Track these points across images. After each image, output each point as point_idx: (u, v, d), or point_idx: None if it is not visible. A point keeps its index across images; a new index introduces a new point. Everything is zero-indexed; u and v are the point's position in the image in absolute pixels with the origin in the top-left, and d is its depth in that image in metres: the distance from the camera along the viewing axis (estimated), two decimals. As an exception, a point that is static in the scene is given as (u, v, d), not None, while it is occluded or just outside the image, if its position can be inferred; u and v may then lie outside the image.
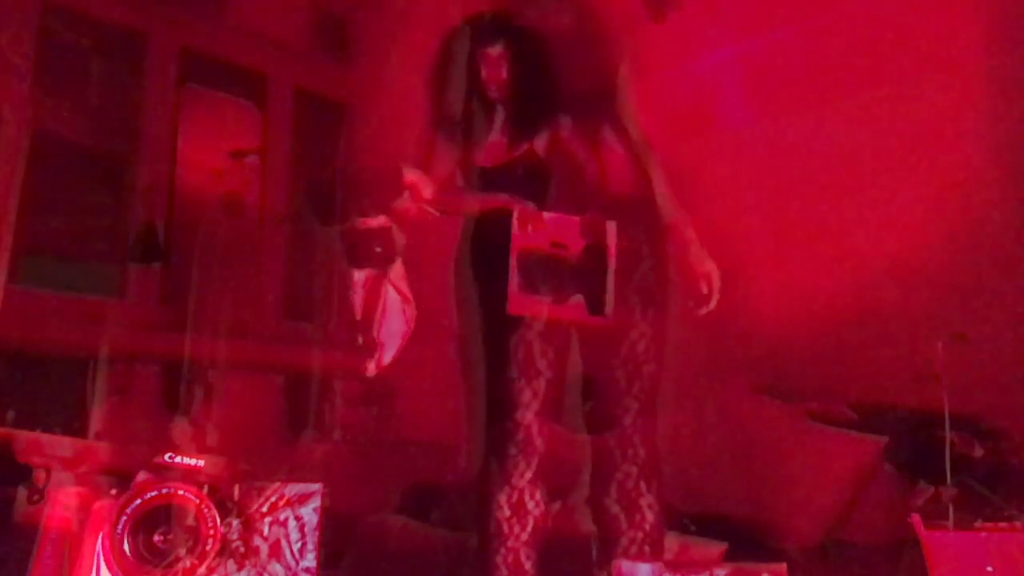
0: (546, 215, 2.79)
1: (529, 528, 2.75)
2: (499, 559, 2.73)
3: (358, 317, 2.79)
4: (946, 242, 4.38)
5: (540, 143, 2.81)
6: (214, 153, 6.12)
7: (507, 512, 2.74)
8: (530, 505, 2.77)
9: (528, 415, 2.74)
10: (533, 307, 2.74)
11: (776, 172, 4.91)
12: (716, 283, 2.80)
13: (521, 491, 2.75)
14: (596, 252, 2.78)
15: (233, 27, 6.74)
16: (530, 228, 2.74)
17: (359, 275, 2.78)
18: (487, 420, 2.80)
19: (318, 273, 7.00)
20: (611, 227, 2.75)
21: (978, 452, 4.23)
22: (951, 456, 3.73)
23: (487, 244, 2.80)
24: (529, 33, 2.83)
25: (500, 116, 2.85)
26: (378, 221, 2.76)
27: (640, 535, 2.74)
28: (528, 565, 2.75)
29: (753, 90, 4.86)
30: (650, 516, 2.76)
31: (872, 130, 4.78)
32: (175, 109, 6.47)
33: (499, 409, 2.76)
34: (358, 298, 2.78)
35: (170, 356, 5.52)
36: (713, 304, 2.81)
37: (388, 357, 2.81)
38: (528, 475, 2.75)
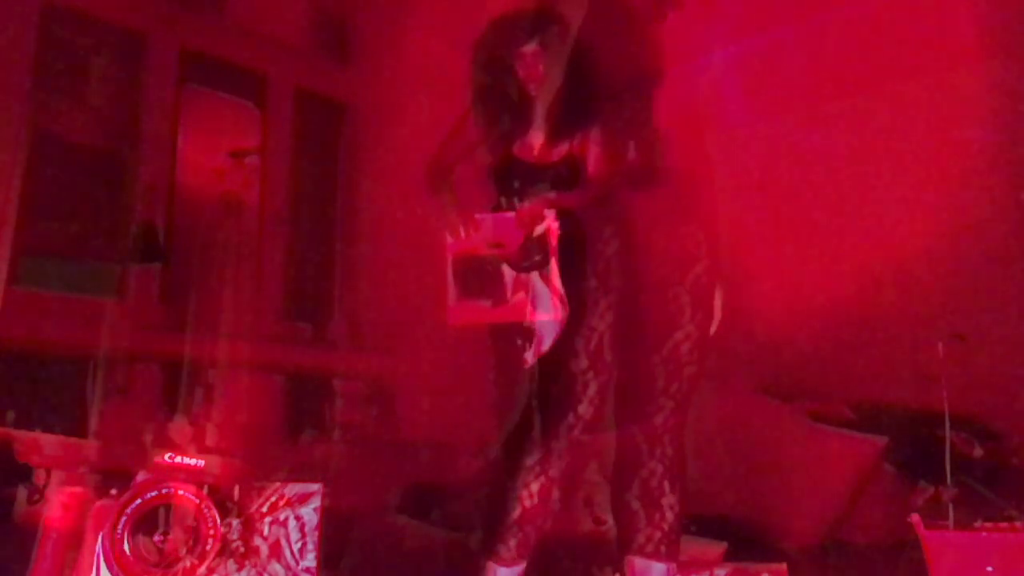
0: (479, 216, 2.76)
1: (548, 519, 2.76)
2: (512, 543, 2.73)
3: (521, 311, 2.76)
4: (946, 243, 4.39)
5: (579, 140, 2.79)
6: (214, 153, 6.12)
7: (536, 500, 2.73)
8: (554, 495, 2.78)
9: (591, 410, 2.74)
10: (473, 314, 2.72)
11: (776, 172, 4.91)
12: (719, 311, 2.83)
13: (553, 481, 2.75)
14: (535, 245, 2.76)
15: (233, 27, 6.74)
16: (463, 233, 2.73)
17: (509, 273, 2.76)
18: (543, 411, 2.76)
19: (318, 273, 7.00)
20: (549, 215, 2.73)
21: (978, 452, 4.24)
22: (951, 456, 3.73)
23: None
24: (564, 31, 2.83)
25: (538, 112, 2.85)
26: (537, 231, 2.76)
27: (658, 535, 2.73)
28: (525, 551, 2.76)
29: (753, 90, 4.86)
30: (670, 516, 2.75)
31: (872, 131, 4.78)
32: (175, 109, 6.46)
33: (559, 402, 2.74)
34: (509, 291, 2.76)
35: (170, 356, 5.51)
36: (713, 329, 2.83)
37: (546, 344, 2.78)
38: (560, 467, 2.75)
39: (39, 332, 5.36)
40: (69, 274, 5.91)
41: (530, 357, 2.78)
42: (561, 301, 2.76)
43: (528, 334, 2.78)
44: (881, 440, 4.41)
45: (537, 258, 2.76)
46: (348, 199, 7.07)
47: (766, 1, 4.89)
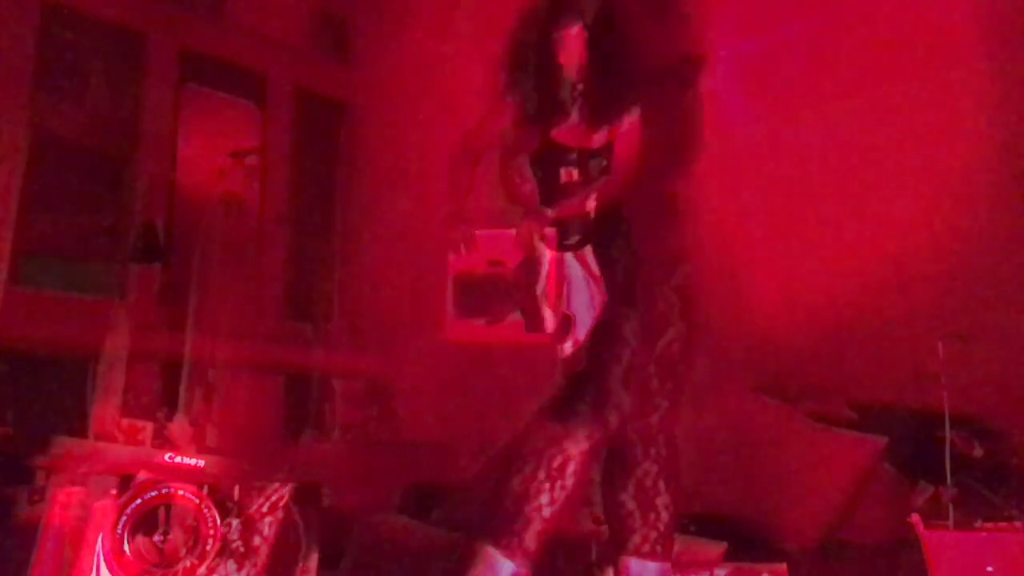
0: (479, 232, 2.74)
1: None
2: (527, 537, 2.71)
3: (542, 290, 2.71)
4: (946, 243, 4.38)
5: (618, 128, 2.74)
6: (214, 153, 6.12)
7: (561, 498, 2.74)
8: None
9: (620, 418, 2.73)
10: (470, 332, 2.71)
11: (777, 173, 4.91)
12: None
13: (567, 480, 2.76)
14: (532, 265, 2.73)
15: (233, 27, 6.74)
16: (464, 249, 2.71)
17: (547, 254, 2.73)
18: (584, 408, 2.73)
19: (318, 273, 7.00)
20: (548, 234, 2.71)
21: (978, 452, 4.24)
22: (951, 456, 3.73)
23: None
24: (607, 14, 2.77)
25: (578, 98, 2.80)
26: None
27: (654, 534, 2.72)
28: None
29: (753, 90, 4.86)
30: (665, 516, 2.74)
31: (872, 131, 4.78)
32: (175, 109, 6.46)
33: (594, 407, 2.73)
34: (543, 273, 2.72)
35: (170, 356, 5.52)
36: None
37: (582, 332, 2.74)
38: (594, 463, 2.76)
39: (39, 332, 5.36)
40: (69, 274, 5.91)
41: (568, 347, 2.75)
42: (598, 286, 2.74)
43: (566, 323, 2.75)
44: (881, 440, 4.41)
45: (577, 238, 2.74)
46: (348, 199, 7.07)
47: (766, 2, 4.88)
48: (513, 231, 2.74)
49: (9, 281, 5.30)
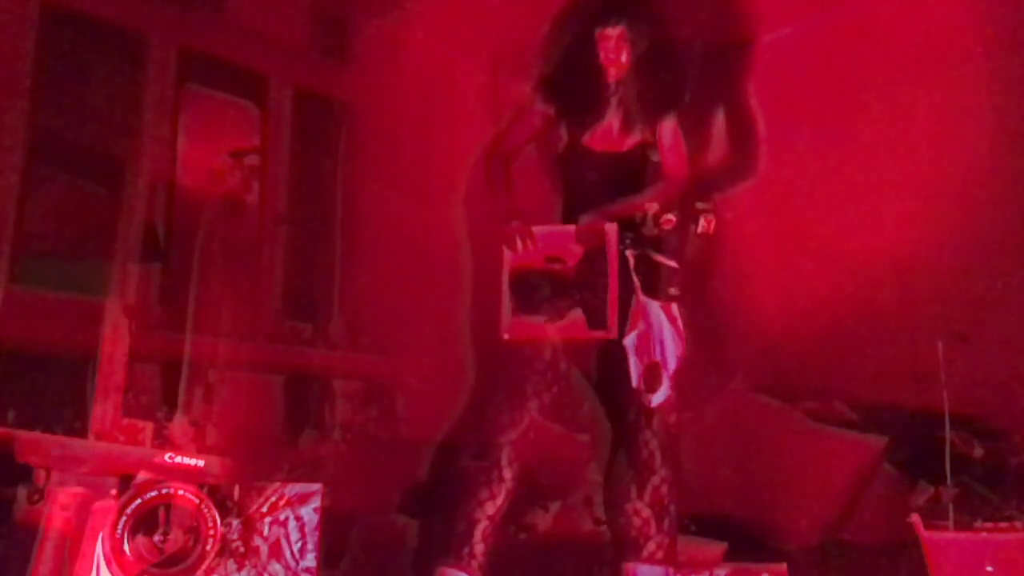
0: (537, 229, 2.69)
1: None
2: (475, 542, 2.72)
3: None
4: (946, 242, 4.39)
5: (656, 133, 2.68)
6: (214, 153, 6.11)
7: None
8: None
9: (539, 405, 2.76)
10: (530, 330, 2.68)
11: (776, 171, 4.91)
12: None
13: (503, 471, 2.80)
14: (593, 262, 2.69)
15: (233, 27, 6.72)
16: (521, 246, 2.67)
17: (645, 300, 2.68)
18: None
19: (318, 273, 6.99)
20: (611, 230, 2.67)
21: (978, 452, 4.24)
22: (951, 456, 3.73)
23: None
24: (652, 15, 2.72)
25: (615, 99, 2.74)
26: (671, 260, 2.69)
27: (667, 540, 2.70)
28: None
29: (752, 89, 4.86)
30: (674, 520, 2.73)
31: (872, 129, 4.78)
32: (175, 109, 6.45)
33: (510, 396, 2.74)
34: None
35: (170, 356, 5.51)
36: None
37: (669, 384, 2.72)
38: None
39: (39, 332, 5.35)
40: (69, 274, 5.90)
41: (659, 397, 2.71)
42: (681, 340, 2.68)
43: (655, 370, 2.71)
44: (881, 440, 4.41)
45: (675, 291, 2.70)
46: (348, 199, 7.06)
47: (766, 1, 4.88)
48: (572, 228, 2.70)
49: (9, 281, 5.29)
